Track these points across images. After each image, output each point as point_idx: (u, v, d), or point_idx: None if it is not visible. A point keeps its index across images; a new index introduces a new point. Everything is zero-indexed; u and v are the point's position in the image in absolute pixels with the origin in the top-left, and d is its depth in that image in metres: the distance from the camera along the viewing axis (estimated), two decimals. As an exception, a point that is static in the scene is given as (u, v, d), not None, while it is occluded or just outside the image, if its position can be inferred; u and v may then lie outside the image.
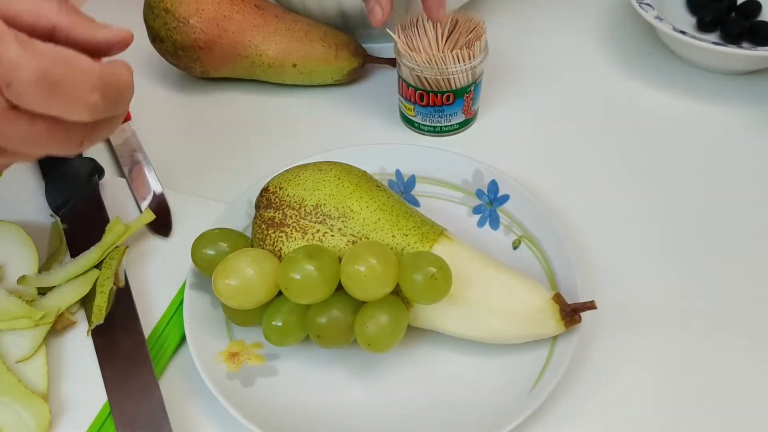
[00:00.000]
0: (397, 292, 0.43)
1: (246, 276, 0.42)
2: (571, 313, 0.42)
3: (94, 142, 0.39)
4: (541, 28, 0.71)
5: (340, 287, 0.42)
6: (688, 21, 0.70)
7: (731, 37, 0.66)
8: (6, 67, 0.33)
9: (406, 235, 0.44)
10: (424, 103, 0.57)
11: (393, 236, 0.44)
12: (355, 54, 0.63)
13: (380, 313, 0.41)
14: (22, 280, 0.48)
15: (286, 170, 0.47)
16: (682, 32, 0.62)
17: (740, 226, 0.53)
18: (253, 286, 0.42)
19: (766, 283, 0.49)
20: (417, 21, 0.57)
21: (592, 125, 0.61)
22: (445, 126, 0.59)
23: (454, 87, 0.56)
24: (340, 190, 0.45)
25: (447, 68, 0.54)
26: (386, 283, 0.41)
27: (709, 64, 0.65)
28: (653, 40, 0.69)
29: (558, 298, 0.43)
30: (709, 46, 0.60)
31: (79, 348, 0.47)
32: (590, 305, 0.42)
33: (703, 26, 0.68)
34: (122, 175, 0.57)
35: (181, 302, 0.47)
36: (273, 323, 0.43)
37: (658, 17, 0.63)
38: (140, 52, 0.66)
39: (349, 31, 0.65)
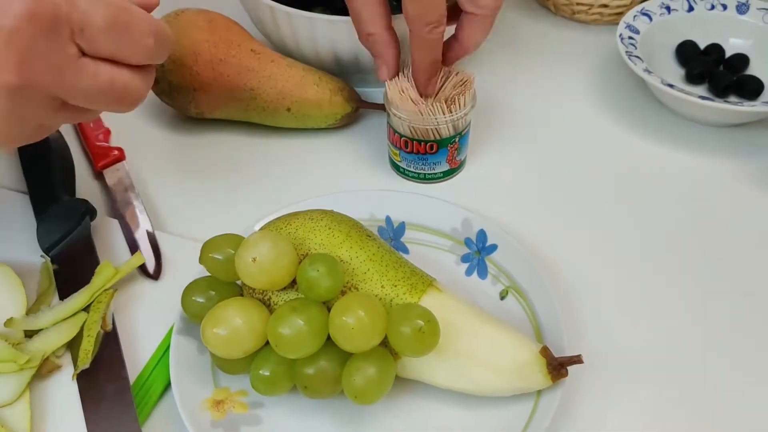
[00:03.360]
0: (385, 343, 0.43)
1: (234, 325, 0.42)
2: (558, 367, 0.42)
3: (143, 96, 0.44)
4: (532, 79, 0.72)
5: (328, 338, 0.42)
6: (677, 73, 0.71)
7: (719, 91, 0.67)
8: (80, 13, 0.38)
9: (395, 286, 0.44)
10: (408, 150, 0.58)
11: (382, 287, 0.44)
12: (349, 99, 0.64)
13: (368, 365, 0.41)
14: (9, 322, 0.48)
15: (278, 218, 0.48)
16: (670, 85, 0.63)
17: (729, 277, 0.53)
18: (242, 335, 0.42)
19: (755, 335, 0.49)
20: (408, 69, 0.57)
21: (581, 176, 0.61)
22: (429, 174, 0.59)
23: (437, 137, 0.56)
24: (330, 239, 0.45)
25: (432, 118, 0.55)
26: (374, 335, 0.41)
27: (696, 117, 0.66)
28: (643, 91, 0.70)
29: (545, 352, 0.43)
30: (695, 100, 0.61)
31: (63, 392, 0.46)
32: (577, 359, 0.42)
33: (692, 78, 0.70)
34: (114, 215, 0.57)
35: (168, 347, 0.47)
36: (260, 372, 0.43)
37: (647, 70, 0.64)
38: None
39: (344, 76, 0.66)
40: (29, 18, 0.36)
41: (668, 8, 0.73)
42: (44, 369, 0.47)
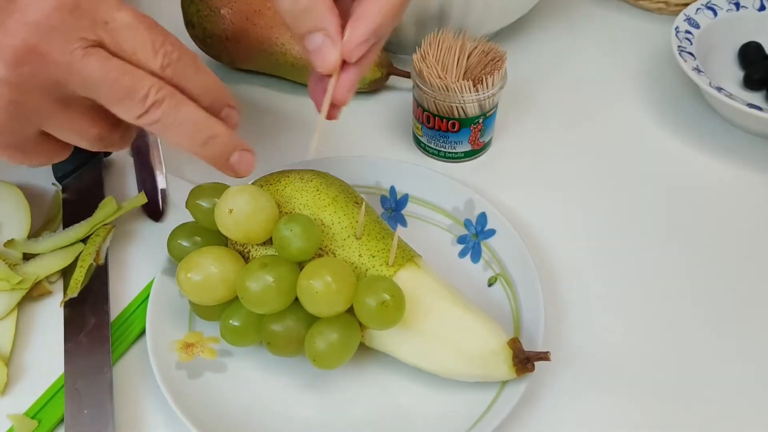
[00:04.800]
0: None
1: (208, 272, 0.42)
2: (525, 361, 0.41)
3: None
4: (577, 64, 0.69)
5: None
6: (736, 76, 0.67)
7: (776, 99, 0.63)
8: (108, 8, 0.37)
9: (373, 257, 0.43)
10: (430, 125, 0.56)
11: (360, 255, 0.43)
12: (380, 65, 0.63)
13: (331, 331, 0.41)
14: (9, 243, 0.50)
15: (271, 174, 0.48)
16: (719, 89, 0.59)
17: (735, 295, 0.50)
18: (214, 283, 0.43)
19: (737, 350, 0.47)
20: (440, 39, 0.56)
21: (607, 174, 0.59)
22: (450, 152, 0.58)
23: (460, 115, 0.55)
24: (316, 201, 0.45)
25: (456, 95, 0.53)
26: (339, 302, 0.40)
27: (743, 125, 0.61)
28: (694, 92, 0.66)
29: (513, 344, 0.41)
30: (741, 107, 0.57)
31: (49, 317, 0.48)
32: (544, 356, 0.41)
33: (750, 84, 0.65)
34: (131, 154, 0.58)
35: (155, 288, 0.48)
36: (230, 322, 0.43)
37: (696, 68, 0.61)
38: (175, 34, 0.67)
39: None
40: None
41: (737, 4, 0.68)
42: (35, 292, 0.48)
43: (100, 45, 0.37)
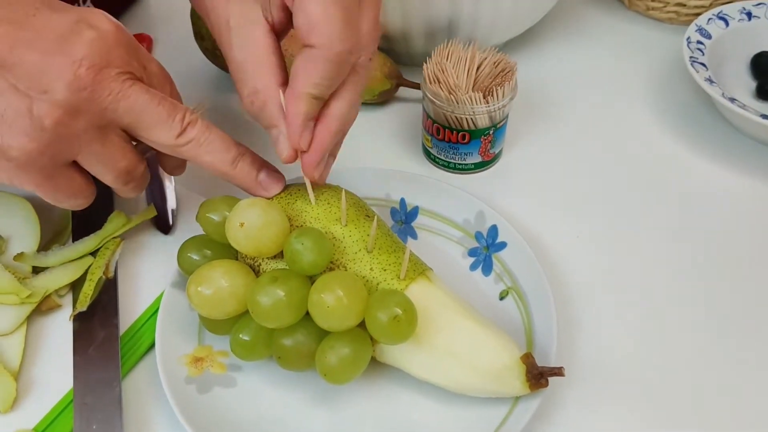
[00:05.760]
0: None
1: (218, 286, 0.42)
2: (538, 376, 0.41)
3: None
4: (588, 75, 0.69)
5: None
6: (748, 86, 0.66)
7: (789, 110, 0.62)
8: (145, 58, 0.43)
9: (385, 270, 0.43)
10: (440, 137, 0.56)
11: (371, 269, 0.43)
12: (389, 76, 0.62)
13: (342, 346, 0.40)
14: (19, 257, 0.49)
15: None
16: (732, 99, 0.59)
17: (748, 307, 0.50)
18: (224, 297, 0.42)
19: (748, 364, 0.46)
20: (450, 51, 0.56)
21: (620, 186, 0.58)
22: (460, 164, 0.57)
23: (470, 127, 0.55)
24: (327, 215, 0.45)
25: (466, 107, 0.53)
26: (350, 316, 0.40)
27: (755, 135, 0.61)
28: (706, 102, 0.65)
29: (527, 359, 0.41)
30: (753, 117, 0.57)
31: (58, 331, 0.48)
32: (558, 372, 0.40)
33: (763, 94, 0.65)
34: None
35: (165, 302, 0.47)
36: (240, 336, 0.43)
37: (709, 79, 0.60)
38: (187, 46, 0.67)
39: (392, 52, 0.65)
40: (118, 28, 0.41)
41: (749, 14, 0.68)
42: (44, 306, 0.48)
43: (140, 80, 0.41)
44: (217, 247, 0.46)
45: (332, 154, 0.47)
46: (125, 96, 0.40)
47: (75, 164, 0.42)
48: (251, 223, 0.41)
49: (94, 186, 0.44)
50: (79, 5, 0.66)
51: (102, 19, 0.40)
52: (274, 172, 0.46)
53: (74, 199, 0.44)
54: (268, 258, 0.44)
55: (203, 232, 0.46)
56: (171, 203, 0.55)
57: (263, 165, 0.45)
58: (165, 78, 0.44)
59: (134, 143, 0.44)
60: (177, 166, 0.49)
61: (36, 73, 0.38)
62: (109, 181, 0.43)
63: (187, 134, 0.42)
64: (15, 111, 0.38)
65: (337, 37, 0.40)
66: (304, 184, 0.46)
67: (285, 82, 0.43)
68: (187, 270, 0.46)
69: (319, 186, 0.47)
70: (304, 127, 0.43)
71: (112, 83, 0.39)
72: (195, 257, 0.46)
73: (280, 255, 0.43)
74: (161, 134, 0.42)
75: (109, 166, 0.42)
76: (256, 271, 0.44)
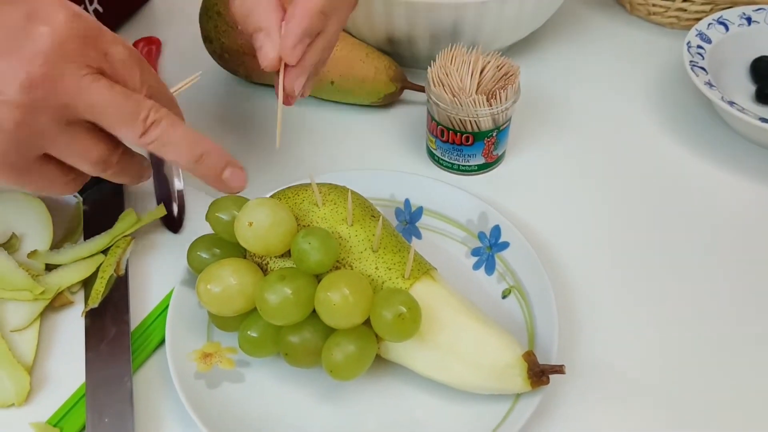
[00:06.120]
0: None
1: (227, 284, 0.43)
2: (539, 374, 0.42)
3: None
4: (590, 78, 0.70)
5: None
6: (748, 90, 0.67)
7: (787, 113, 0.63)
8: (110, 41, 0.40)
9: (390, 269, 0.44)
10: (444, 139, 0.57)
11: (376, 268, 0.44)
12: (394, 79, 0.63)
13: (348, 343, 0.41)
14: (32, 254, 0.51)
15: (289, 187, 0.48)
16: (731, 103, 0.59)
17: (752, 308, 0.50)
18: (233, 295, 0.43)
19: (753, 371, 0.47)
20: (454, 55, 0.57)
21: (623, 188, 0.59)
22: (463, 165, 0.58)
23: (474, 129, 0.56)
24: (333, 215, 0.46)
25: (470, 110, 0.54)
26: (356, 314, 0.41)
27: (755, 138, 0.62)
28: (706, 106, 0.66)
29: (528, 357, 0.42)
30: (752, 121, 0.58)
31: (70, 327, 0.49)
32: (559, 369, 0.41)
33: (762, 98, 0.66)
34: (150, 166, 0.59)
35: (174, 299, 0.48)
36: (248, 333, 0.44)
37: (708, 83, 0.61)
38: (195, 49, 0.68)
39: (396, 55, 0.66)
40: (73, 18, 0.39)
41: (749, 19, 0.69)
42: (57, 302, 0.49)
43: (101, 72, 0.40)
44: (225, 245, 0.47)
45: (316, 72, 0.48)
46: (86, 92, 0.39)
47: (49, 155, 0.41)
48: (260, 222, 0.43)
49: (76, 169, 0.43)
50: (85, 7, 0.67)
51: (53, 11, 0.39)
52: (239, 170, 0.45)
53: (56, 188, 0.43)
54: (275, 257, 0.45)
55: (212, 231, 0.47)
56: (180, 203, 0.56)
57: (228, 163, 0.44)
58: (133, 62, 0.42)
59: None
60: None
61: None
62: (86, 171, 0.43)
63: (150, 134, 0.41)
64: None
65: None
66: (311, 185, 0.47)
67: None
68: (196, 268, 0.47)
69: (326, 186, 0.48)
70: (300, 42, 0.43)
71: (69, 80, 0.38)
72: (204, 256, 0.47)
73: (287, 254, 0.45)
74: (125, 133, 0.41)
75: (81, 157, 0.42)
76: (264, 270, 0.45)
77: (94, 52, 0.40)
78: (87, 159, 0.42)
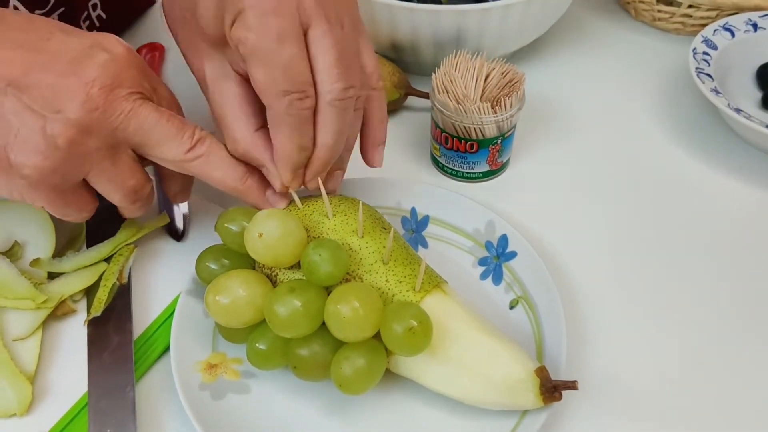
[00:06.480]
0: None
1: (236, 296, 0.43)
2: (552, 390, 0.41)
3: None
4: (595, 85, 0.69)
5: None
6: (754, 97, 0.67)
7: (793, 120, 0.63)
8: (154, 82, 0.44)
9: (400, 282, 0.44)
10: (448, 146, 0.57)
11: (387, 281, 0.44)
12: (398, 86, 0.63)
13: (357, 356, 0.41)
14: (35, 262, 0.50)
15: (300, 198, 0.48)
16: (738, 110, 0.59)
17: (761, 319, 0.50)
18: (242, 306, 0.43)
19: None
20: (458, 61, 0.56)
21: (629, 195, 0.59)
22: (468, 173, 0.58)
23: (479, 137, 0.55)
24: (343, 226, 0.45)
25: (475, 117, 0.54)
26: (366, 327, 0.41)
27: (760, 145, 0.62)
28: (712, 112, 0.66)
29: (541, 372, 0.42)
30: (758, 127, 0.58)
31: (73, 336, 0.48)
32: (571, 385, 0.41)
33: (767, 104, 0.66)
34: (154, 175, 0.58)
35: (177, 308, 0.48)
36: (257, 345, 0.43)
37: (715, 90, 0.61)
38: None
39: (400, 61, 0.65)
40: (130, 51, 0.42)
41: (755, 25, 0.69)
42: (59, 311, 0.49)
43: (150, 100, 0.43)
44: (235, 256, 0.46)
45: (340, 167, 0.49)
46: (135, 114, 0.41)
47: (83, 181, 0.43)
48: (270, 233, 0.42)
49: (97, 200, 0.45)
50: (89, 14, 0.67)
51: (115, 43, 0.42)
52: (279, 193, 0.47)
53: (80, 214, 0.45)
54: (285, 268, 0.44)
55: (215, 239, 0.47)
56: (183, 211, 0.55)
57: (268, 183, 0.46)
58: (174, 101, 0.46)
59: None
60: (181, 191, 0.50)
61: (50, 93, 0.39)
62: (116, 200, 0.44)
63: (196, 150, 0.43)
64: (29, 130, 0.39)
65: (280, 91, 0.41)
66: (319, 196, 0.47)
67: (263, 125, 0.45)
68: (205, 279, 0.46)
69: (336, 198, 0.47)
70: (293, 177, 0.45)
71: (123, 102, 0.41)
72: (213, 266, 0.46)
73: (297, 265, 0.44)
74: (171, 150, 0.43)
75: (118, 184, 0.43)
76: (274, 281, 0.44)
77: (147, 83, 0.42)
78: (122, 187, 0.43)
